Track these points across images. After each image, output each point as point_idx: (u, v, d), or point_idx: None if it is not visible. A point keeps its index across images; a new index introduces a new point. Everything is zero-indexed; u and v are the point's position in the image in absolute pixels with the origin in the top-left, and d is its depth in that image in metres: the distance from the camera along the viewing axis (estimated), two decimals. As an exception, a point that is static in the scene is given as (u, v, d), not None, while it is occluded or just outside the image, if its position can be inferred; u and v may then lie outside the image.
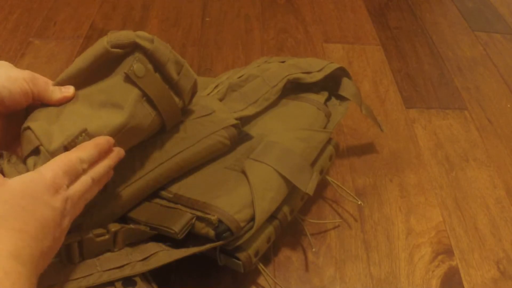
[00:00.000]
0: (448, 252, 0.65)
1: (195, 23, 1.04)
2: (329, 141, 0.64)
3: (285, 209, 0.57)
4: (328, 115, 0.65)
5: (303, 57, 0.95)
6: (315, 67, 0.67)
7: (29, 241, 0.35)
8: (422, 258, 0.64)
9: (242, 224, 0.50)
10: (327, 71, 0.67)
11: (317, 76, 0.66)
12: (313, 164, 0.60)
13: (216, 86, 0.64)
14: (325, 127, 0.64)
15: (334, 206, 0.69)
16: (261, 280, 0.59)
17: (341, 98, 0.69)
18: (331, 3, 1.15)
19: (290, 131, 0.60)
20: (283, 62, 0.68)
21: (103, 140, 0.45)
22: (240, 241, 0.51)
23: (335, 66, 0.68)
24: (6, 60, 0.47)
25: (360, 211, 0.69)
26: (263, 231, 0.54)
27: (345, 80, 0.69)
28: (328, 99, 0.68)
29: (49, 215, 0.37)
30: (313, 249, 0.63)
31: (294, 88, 0.67)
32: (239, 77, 0.64)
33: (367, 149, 0.78)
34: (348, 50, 1.00)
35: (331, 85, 0.69)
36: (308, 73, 0.66)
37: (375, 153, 0.78)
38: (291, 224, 0.63)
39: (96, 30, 1.01)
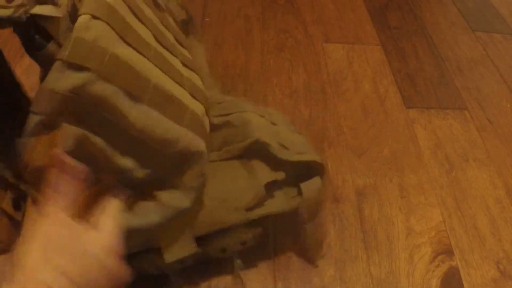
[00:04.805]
0: (448, 252, 0.65)
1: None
2: (253, 225, 0.57)
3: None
4: (259, 199, 0.57)
5: (303, 58, 0.96)
6: (296, 147, 0.60)
7: None
8: (422, 258, 0.64)
9: None
10: (305, 158, 0.59)
11: (291, 157, 0.58)
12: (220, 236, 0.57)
13: None
14: (253, 208, 0.57)
15: (334, 206, 0.69)
16: (261, 280, 0.59)
17: (300, 193, 0.59)
18: (331, 3, 1.15)
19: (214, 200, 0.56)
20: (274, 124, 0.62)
21: None
22: None
23: (315, 158, 0.60)
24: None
25: (360, 211, 0.69)
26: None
27: (315, 180, 0.60)
28: (284, 181, 0.60)
29: None
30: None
31: (260, 155, 0.60)
32: (224, 114, 0.60)
33: (367, 149, 0.78)
34: (348, 50, 1.00)
35: (302, 174, 0.60)
36: (285, 147, 0.59)
37: (375, 153, 0.78)
38: (291, 224, 0.63)
39: (96, 30, 1.01)
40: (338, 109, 0.85)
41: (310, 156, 0.59)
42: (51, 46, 0.44)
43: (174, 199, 0.49)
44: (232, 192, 0.56)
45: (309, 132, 0.79)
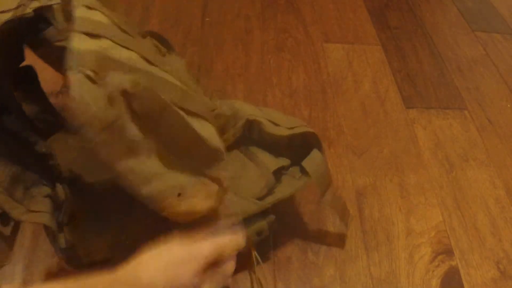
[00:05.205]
0: (448, 252, 0.65)
1: (195, 23, 1.04)
2: (264, 214, 0.57)
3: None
4: (270, 187, 0.59)
5: (303, 58, 0.96)
6: (286, 123, 0.61)
7: None
8: (422, 258, 0.64)
9: None
10: (297, 131, 0.60)
11: (283, 132, 0.59)
12: None
13: None
14: (265, 196, 0.57)
15: (334, 206, 0.69)
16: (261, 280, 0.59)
17: (304, 172, 0.59)
18: (331, 3, 1.15)
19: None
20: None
21: None
22: None
23: (307, 129, 0.61)
24: (6, 60, 0.48)
25: (360, 211, 0.69)
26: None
27: (314, 153, 0.59)
28: (289, 166, 0.61)
29: None
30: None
31: (257, 141, 0.61)
32: (213, 109, 0.60)
33: (367, 149, 0.78)
34: (348, 50, 1.00)
35: (301, 153, 0.61)
36: (275, 124, 0.60)
37: (375, 153, 0.78)
38: (291, 224, 0.63)
39: (96, 30, 1.01)
40: (338, 109, 0.85)
41: (301, 128, 0.60)
42: (51, 30, 0.50)
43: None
44: (243, 183, 0.57)
45: (309, 132, 0.79)
